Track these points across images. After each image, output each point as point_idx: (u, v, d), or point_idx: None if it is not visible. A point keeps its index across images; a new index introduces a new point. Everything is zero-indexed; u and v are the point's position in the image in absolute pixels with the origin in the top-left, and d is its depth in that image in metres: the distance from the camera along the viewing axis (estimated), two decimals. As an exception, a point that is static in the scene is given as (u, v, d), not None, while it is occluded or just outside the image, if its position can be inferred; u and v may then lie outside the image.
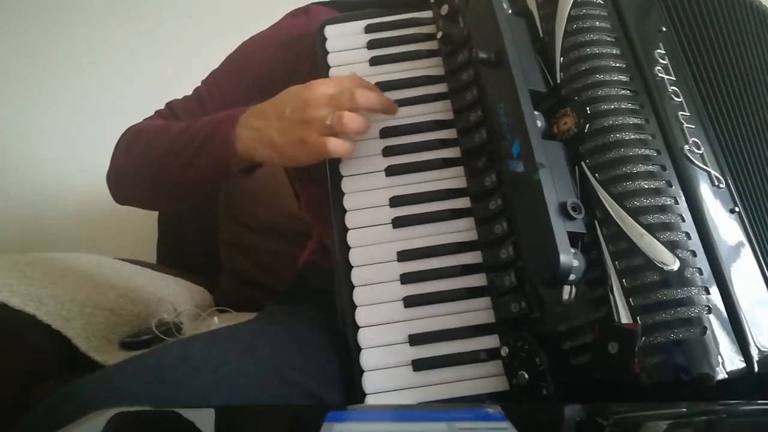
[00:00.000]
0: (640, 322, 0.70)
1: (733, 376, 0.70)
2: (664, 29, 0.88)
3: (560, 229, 0.71)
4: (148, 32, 2.33)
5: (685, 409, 0.67)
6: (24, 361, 1.26)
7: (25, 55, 2.32)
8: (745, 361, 0.71)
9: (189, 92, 1.21)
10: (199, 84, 1.22)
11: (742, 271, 0.76)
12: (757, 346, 0.72)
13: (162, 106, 1.22)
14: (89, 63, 2.32)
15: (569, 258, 0.70)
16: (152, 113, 1.21)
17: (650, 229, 0.73)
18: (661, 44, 0.86)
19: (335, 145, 0.87)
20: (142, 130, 1.14)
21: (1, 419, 1.18)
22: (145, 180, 1.11)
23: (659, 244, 0.72)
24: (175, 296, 1.66)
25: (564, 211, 0.72)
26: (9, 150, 2.29)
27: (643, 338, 0.69)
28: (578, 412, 0.68)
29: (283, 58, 1.12)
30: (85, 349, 1.30)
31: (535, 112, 0.79)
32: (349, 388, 0.84)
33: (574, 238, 0.73)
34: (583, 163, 0.78)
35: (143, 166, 1.10)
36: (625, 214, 0.74)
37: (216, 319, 1.58)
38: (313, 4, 1.20)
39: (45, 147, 2.29)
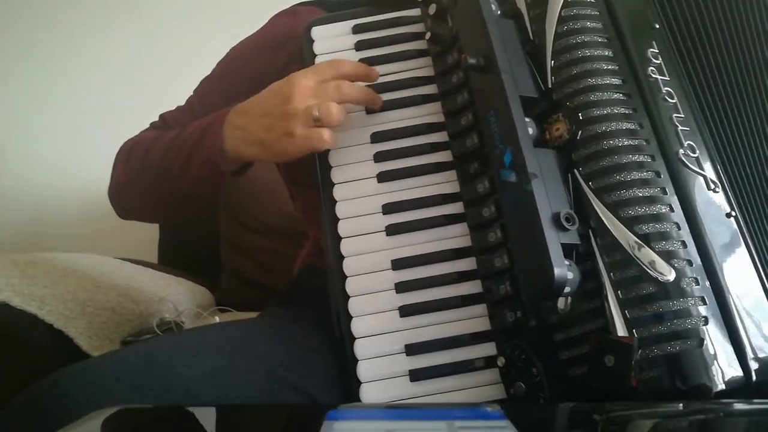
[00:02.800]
0: (636, 334, 0.69)
1: (731, 386, 0.69)
2: (657, 26, 0.86)
3: (554, 241, 0.70)
4: (148, 32, 2.33)
5: (680, 407, 0.67)
6: (25, 361, 1.26)
7: (25, 55, 2.31)
8: (743, 371, 0.70)
9: (189, 92, 1.21)
10: (197, 85, 1.21)
11: (740, 278, 0.75)
12: (755, 355, 0.71)
13: (161, 107, 1.22)
14: (89, 63, 2.31)
15: (563, 271, 0.69)
16: (152, 111, 1.21)
17: (645, 239, 0.72)
18: (654, 42, 0.84)
19: (326, 137, 0.87)
20: (136, 144, 1.14)
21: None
22: (145, 192, 1.12)
23: (654, 254, 0.71)
24: (177, 296, 1.66)
25: (557, 222, 0.71)
26: (9, 150, 2.29)
27: (640, 351, 0.68)
28: (574, 409, 0.68)
29: (273, 62, 1.11)
30: (87, 349, 1.31)
31: (527, 119, 0.77)
32: (346, 397, 0.84)
33: (568, 249, 0.72)
34: (576, 171, 0.76)
35: (141, 179, 1.10)
36: (620, 223, 0.72)
37: (217, 318, 1.58)
38: (299, 4, 1.19)
39: (45, 147, 2.29)
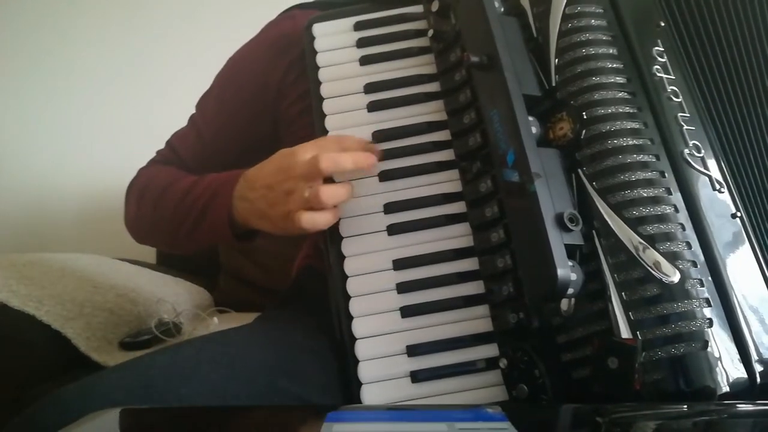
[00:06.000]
0: (640, 336, 0.68)
1: (736, 389, 0.69)
2: (663, 24, 0.85)
3: (557, 242, 0.69)
4: (147, 32, 2.32)
5: (684, 409, 0.66)
6: (24, 362, 1.26)
7: (25, 56, 2.31)
8: (747, 374, 0.70)
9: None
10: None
11: (745, 279, 0.74)
12: (759, 358, 0.71)
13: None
14: (88, 63, 2.31)
15: (567, 272, 0.68)
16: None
17: (650, 240, 0.71)
18: (659, 40, 0.84)
19: (308, 221, 0.85)
20: (148, 185, 1.15)
21: (1, 419, 1.18)
22: (158, 235, 1.16)
23: (659, 255, 0.70)
24: (175, 296, 1.66)
25: (561, 223, 0.71)
26: (7, 150, 2.29)
27: (644, 353, 0.67)
28: (576, 411, 0.68)
29: (273, 69, 1.10)
30: (84, 350, 1.31)
31: (530, 118, 0.77)
32: (347, 398, 0.83)
33: (571, 250, 0.71)
34: (580, 171, 0.76)
35: (154, 224, 1.13)
36: (624, 224, 0.72)
37: (216, 319, 1.58)
38: (297, 6, 1.17)
39: (45, 147, 2.29)
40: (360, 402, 0.80)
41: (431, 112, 0.92)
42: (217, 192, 0.98)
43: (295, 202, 0.85)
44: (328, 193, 0.84)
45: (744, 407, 0.68)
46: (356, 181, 0.90)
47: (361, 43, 0.97)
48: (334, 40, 0.98)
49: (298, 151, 0.87)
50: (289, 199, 0.86)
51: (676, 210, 0.74)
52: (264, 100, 1.07)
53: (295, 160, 0.86)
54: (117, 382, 0.79)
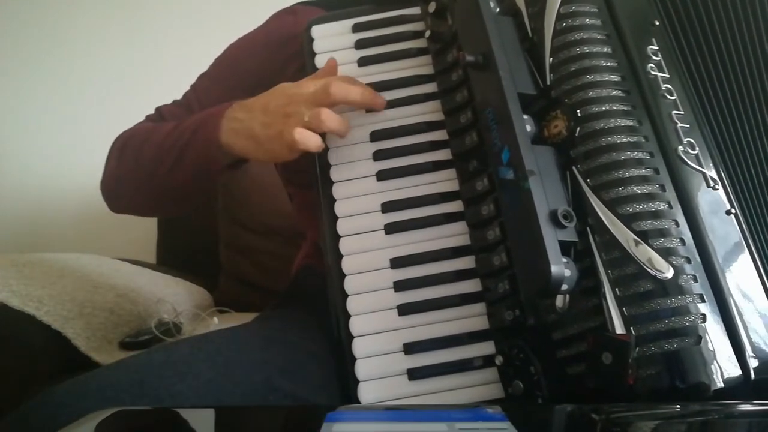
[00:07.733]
0: (633, 332, 0.69)
1: (730, 384, 0.68)
2: (657, 23, 0.86)
3: (551, 239, 0.70)
4: (148, 31, 2.33)
5: (681, 408, 0.67)
6: (24, 362, 1.26)
7: (24, 55, 2.31)
8: (742, 369, 0.70)
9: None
10: (194, 81, 1.21)
11: (739, 275, 0.74)
12: (754, 353, 0.71)
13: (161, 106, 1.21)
14: (88, 63, 2.31)
15: (560, 268, 0.69)
16: (151, 110, 1.21)
17: (643, 236, 0.71)
18: (654, 39, 0.84)
19: (301, 135, 0.86)
20: (131, 136, 1.13)
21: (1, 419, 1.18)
22: (138, 186, 1.11)
23: (652, 251, 0.70)
24: (175, 296, 1.66)
25: (555, 220, 0.71)
26: (7, 150, 2.29)
27: (637, 349, 0.68)
28: (573, 409, 0.68)
29: (272, 61, 1.10)
30: (84, 350, 1.31)
31: (525, 116, 0.77)
32: (345, 398, 0.83)
33: (565, 247, 0.71)
34: (574, 168, 0.76)
35: (135, 170, 1.09)
36: (618, 221, 0.72)
37: (216, 319, 1.58)
38: (299, 3, 1.18)
39: (44, 146, 2.29)
40: (357, 400, 0.81)
41: (428, 112, 0.92)
42: (206, 118, 0.98)
43: (291, 123, 0.86)
44: (329, 113, 0.86)
45: (742, 407, 0.68)
46: (353, 180, 0.90)
47: (360, 45, 0.97)
48: (333, 42, 0.98)
49: (303, 83, 0.90)
50: (288, 120, 0.87)
51: (670, 206, 0.74)
52: (257, 94, 1.08)
53: (301, 90, 0.89)
54: (111, 379, 0.78)
